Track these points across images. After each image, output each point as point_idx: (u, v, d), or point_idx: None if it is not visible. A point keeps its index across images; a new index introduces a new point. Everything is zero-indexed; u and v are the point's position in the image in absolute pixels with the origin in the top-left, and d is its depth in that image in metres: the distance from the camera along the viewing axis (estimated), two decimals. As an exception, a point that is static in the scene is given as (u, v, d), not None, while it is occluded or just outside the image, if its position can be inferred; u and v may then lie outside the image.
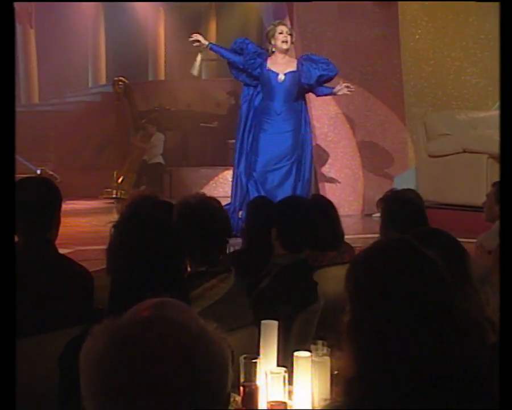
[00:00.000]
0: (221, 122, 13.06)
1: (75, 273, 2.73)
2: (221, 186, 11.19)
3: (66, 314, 2.50)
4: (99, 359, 1.02)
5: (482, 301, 2.17)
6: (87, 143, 12.86)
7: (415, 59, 9.29)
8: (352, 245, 4.06)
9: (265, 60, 6.89)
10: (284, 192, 6.35)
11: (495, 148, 6.29)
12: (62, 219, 2.81)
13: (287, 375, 2.02)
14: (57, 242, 2.77)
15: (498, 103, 8.03)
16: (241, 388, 2.03)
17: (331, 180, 9.02)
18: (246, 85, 7.10)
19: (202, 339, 1.05)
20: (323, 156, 9.08)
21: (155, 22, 16.24)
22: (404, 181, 7.91)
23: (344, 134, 9.22)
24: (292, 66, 6.87)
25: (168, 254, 2.03)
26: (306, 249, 3.61)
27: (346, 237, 4.01)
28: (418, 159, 8.56)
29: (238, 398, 2.04)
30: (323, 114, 9.11)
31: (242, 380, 2.03)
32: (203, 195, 2.90)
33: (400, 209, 3.41)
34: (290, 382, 2.06)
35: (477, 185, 7.08)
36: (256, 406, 2.04)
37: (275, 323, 2.23)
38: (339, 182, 9.02)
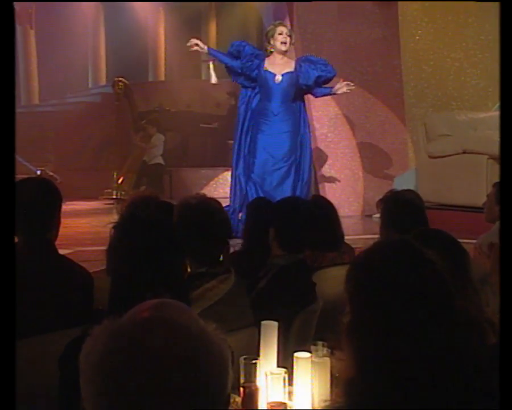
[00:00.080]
0: (221, 123, 13.06)
1: (75, 273, 2.73)
2: (221, 187, 11.18)
3: (66, 315, 2.50)
4: (99, 359, 1.02)
5: (482, 302, 2.17)
6: (87, 144, 12.86)
7: (415, 60, 9.29)
8: (353, 246, 4.06)
9: (263, 60, 6.89)
10: (283, 193, 6.35)
11: (495, 149, 6.30)
12: (62, 220, 2.81)
13: (286, 376, 2.02)
14: (57, 242, 2.77)
15: (498, 104, 8.03)
16: (241, 389, 2.03)
17: (331, 181, 9.02)
18: (244, 87, 7.10)
19: (202, 339, 1.05)
20: (323, 157, 9.08)
21: (155, 22, 16.24)
22: (404, 182, 7.90)
23: (344, 134, 9.22)
24: (290, 67, 6.87)
25: (168, 255, 2.03)
26: (306, 250, 3.61)
27: (346, 237, 4.01)
28: (418, 159, 8.56)
29: (238, 399, 2.04)
30: (324, 115, 9.11)
31: (242, 380, 2.03)
32: (204, 195, 2.89)
33: (400, 210, 3.41)
34: (290, 383, 2.06)
35: (476, 186, 7.08)
36: (256, 407, 2.04)
37: (275, 324, 2.23)
38: (339, 182, 9.02)
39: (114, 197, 10.62)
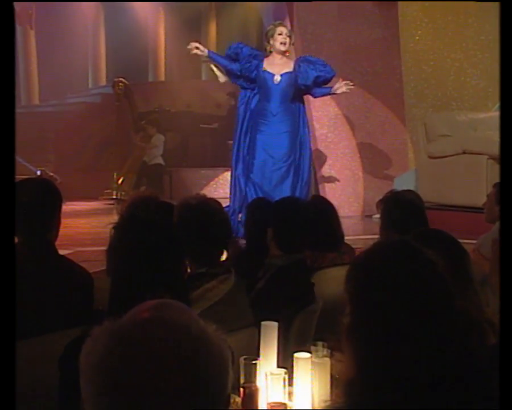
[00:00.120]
0: (221, 123, 13.06)
1: (75, 274, 2.73)
2: (221, 187, 11.18)
3: (66, 315, 2.50)
4: (100, 360, 1.02)
5: (482, 302, 2.17)
6: (87, 144, 12.86)
7: (415, 60, 9.29)
8: (353, 246, 4.06)
9: (262, 61, 6.88)
10: (282, 194, 6.33)
11: (495, 149, 6.30)
12: (62, 220, 2.81)
13: (287, 376, 2.02)
14: (57, 243, 2.77)
15: (498, 104, 8.03)
16: (241, 389, 2.03)
17: (331, 181, 9.02)
18: (243, 88, 7.10)
19: (202, 340, 1.05)
20: (323, 157, 9.08)
21: (155, 23, 16.25)
22: (404, 182, 7.90)
23: (344, 135, 9.22)
24: (289, 67, 6.86)
25: (168, 255, 2.03)
26: (303, 250, 3.61)
27: (346, 238, 4.01)
28: (418, 160, 8.56)
29: (238, 400, 2.04)
30: (323, 115, 9.11)
31: (242, 381, 2.03)
32: (204, 196, 2.89)
33: (400, 210, 3.40)
34: (290, 384, 2.06)
35: (476, 186, 7.08)
36: (256, 407, 2.04)
37: (275, 324, 2.23)
38: (339, 183, 9.02)
39: (114, 197, 10.62)
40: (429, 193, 7.36)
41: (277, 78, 6.82)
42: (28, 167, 10.29)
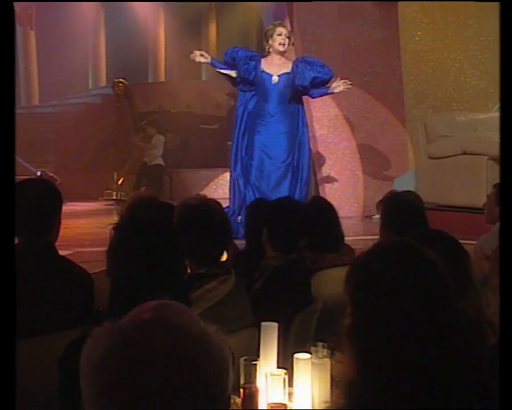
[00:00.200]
0: (221, 124, 13.06)
1: (75, 274, 2.73)
2: (221, 188, 11.17)
3: (66, 316, 2.50)
4: (100, 361, 1.02)
5: (483, 303, 2.17)
6: (87, 145, 12.86)
7: (414, 61, 9.29)
8: (353, 247, 4.06)
9: (259, 61, 6.86)
10: (281, 194, 6.31)
11: (495, 150, 6.29)
12: (62, 221, 2.81)
13: (287, 377, 2.02)
14: (57, 243, 2.77)
15: (498, 105, 8.03)
16: (241, 390, 2.03)
17: (331, 182, 9.02)
18: (243, 91, 7.09)
19: (203, 341, 1.05)
20: (323, 158, 9.08)
21: (155, 23, 16.26)
22: (404, 183, 7.90)
23: (344, 135, 9.22)
24: (287, 68, 6.85)
25: (168, 256, 2.03)
26: (298, 250, 3.61)
27: (346, 238, 4.01)
28: (418, 160, 8.56)
29: (238, 400, 2.04)
30: (323, 115, 9.11)
31: (242, 381, 2.03)
32: (204, 196, 2.89)
33: (400, 211, 3.41)
34: (290, 384, 2.06)
35: (476, 187, 7.08)
36: (256, 407, 2.04)
37: (275, 325, 2.23)
38: (339, 183, 9.02)
39: (114, 198, 10.62)
40: (429, 193, 7.36)
41: (275, 78, 6.80)
42: (28, 167, 10.29)
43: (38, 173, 10.24)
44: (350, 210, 8.84)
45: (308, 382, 2.04)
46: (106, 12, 15.90)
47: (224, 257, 2.68)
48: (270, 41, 6.83)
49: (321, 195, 8.44)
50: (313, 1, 8.88)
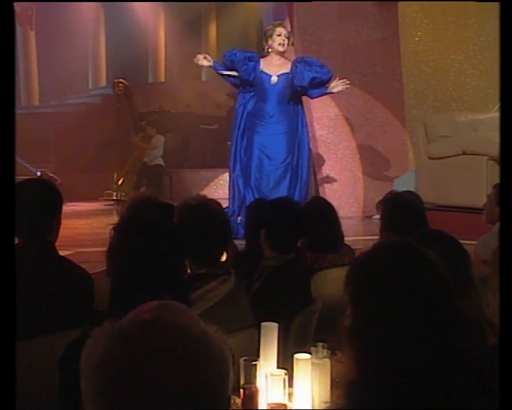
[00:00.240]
0: (221, 124, 13.05)
1: (76, 274, 2.73)
2: (221, 188, 11.17)
3: (66, 316, 2.50)
4: (100, 361, 1.02)
5: (483, 303, 2.17)
6: (87, 145, 12.87)
7: (414, 61, 9.30)
8: (353, 247, 4.06)
9: (258, 61, 6.86)
10: (280, 195, 6.32)
11: (495, 150, 6.30)
12: (62, 221, 2.81)
13: (287, 377, 2.02)
14: (57, 244, 2.77)
15: (498, 105, 8.03)
16: (241, 390, 2.03)
17: (331, 182, 9.02)
18: (242, 92, 7.09)
19: (203, 341, 1.05)
20: (323, 158, 9.08)
21: (155, 24, 16.26)
22: (404, 183, 7.90)
23: (344, 136, 9.22)
24: (286, 68, 6.84)
25: (168, 256, 2.03)
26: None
27: (346, 239, 4.01)
28: (418, 161, 8.56)
29: (238, 401, 2.04)
30: (323, 116, 9.11)
31: (242, 382, 2.03)
32: (204, 197, 2.89)
33: (400, 211, 3.41)
34: (290, 385, 2.06)
35: (476, 187, 7.08)
36: (256, 408, 2.04)
37: (275, 325, 2.23)
38: (339, 183, 9.02)
39: (114, 198, 10.62)
40: (429, 194, 7.36)
41: (274, 79, 6.80)
42: (28, 167, 10.30)
43: (38, 173, 10.24)
44: (350, 210, 8.84)
45: (308, 383, 2.04)
46: (106, 12, 15.90)
47: (224, 258, 2.69)
48: (269, 42, 6.82)
49: (321, 195, 8.44)
50: (313, 2, 8.87)
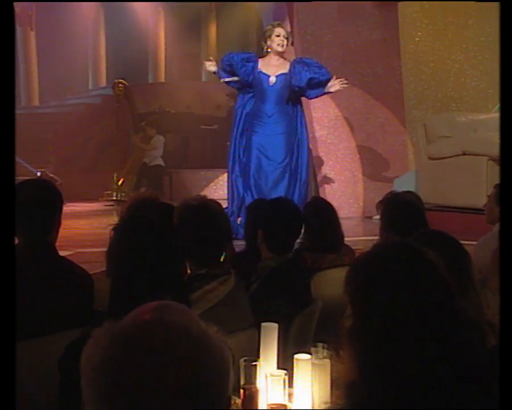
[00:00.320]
0: (221, 124, 13.05)
1: (76, 275, 2.73)
2: (221, 188, 11.16)
3: (66, 316, 2.50)
4: (100, 362, 1.02)
5: (483, 303, 2.17)
6: (87, 146, 12.87)
7: (414, 61, 9.30)
8: (353, 248, 4.06)
9: (256, 62, 6.86)
10: (278, 195, 6.31)
11: (495, 150, 6.29)
12: (62, 221, 2.81)
13: (287, 378, 2.02)
14: (57, 244, 2.77)
15: (498, 106, 8.03)
16: (241, 391, 2.03)
17: (331, 183, 9.02)
18: (242, 93, 7.09)
19: (203, 341, 1.04)
20: (323, 159, 9.08)
21: (155, 24, 16.26)
22: (404, 183, 7.90)
23: (344, 136, 9.22)
24: (285, 69, 6.83)
25: (168, 256, 2.03)
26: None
27: (346, 239, 4.01)
28: (418, 161, 8.56)
29: (238, 401, 2.04)
30: (323, 116, 9.11)
31: (242, 382, 2.03)
32: (204, 197, 2.89)
33: (400, 211, 3.41)
34: (290, 385, 2.06)
35: (476, 187, 7.08)
36: (257, 408, 2.04)
37: (275, 325, 2.23)
38: (339, 184, 9.02)
39: (114, 198, 10.62)
40: (429, 194, 7.36)
41: (273, 79, 6.79)
42: (28, 168, 10.30)
43: (39, 173, 10.25)
44: (350, 211, 8.84)
45: (308, 383, 2.04)
46: (106, 12, 15.90)
47: (222, 258, 2.68)
48: (268, 42, 6.82)
49: (321, 195, 8.44)
50: (313, 2, 8.88)
